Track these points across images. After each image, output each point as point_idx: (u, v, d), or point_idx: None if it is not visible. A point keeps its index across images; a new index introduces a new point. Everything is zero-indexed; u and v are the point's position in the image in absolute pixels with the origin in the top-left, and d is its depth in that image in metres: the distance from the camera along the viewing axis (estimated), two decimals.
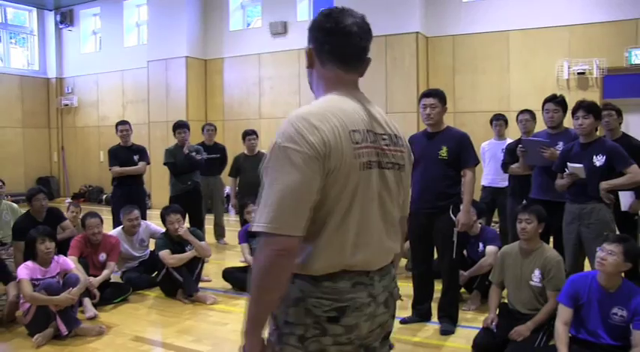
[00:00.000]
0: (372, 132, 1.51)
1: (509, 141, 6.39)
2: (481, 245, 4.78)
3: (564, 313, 3.27)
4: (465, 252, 4.95)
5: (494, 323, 3.70)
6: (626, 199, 4.53)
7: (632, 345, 3.07)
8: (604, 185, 3.83)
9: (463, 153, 4.03)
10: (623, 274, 3.28)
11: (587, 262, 4.08)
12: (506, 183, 6.26)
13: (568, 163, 3.98)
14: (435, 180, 4.02)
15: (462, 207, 4.04)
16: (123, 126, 6.81)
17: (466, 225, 4.03)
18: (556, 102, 4.57)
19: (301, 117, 1.45)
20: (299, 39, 10.37)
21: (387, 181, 1.54)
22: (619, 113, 4.65)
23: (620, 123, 4.69)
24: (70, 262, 4.47)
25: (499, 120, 6.36)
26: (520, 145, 4.62)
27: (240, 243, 5.42)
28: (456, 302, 4.27)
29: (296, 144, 1.39)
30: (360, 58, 1.59)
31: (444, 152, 3.99)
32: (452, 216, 3.98)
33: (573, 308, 3.26)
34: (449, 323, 4.11)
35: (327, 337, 1.47)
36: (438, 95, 4.06)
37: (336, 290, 1.47)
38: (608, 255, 3.14)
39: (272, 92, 10.95)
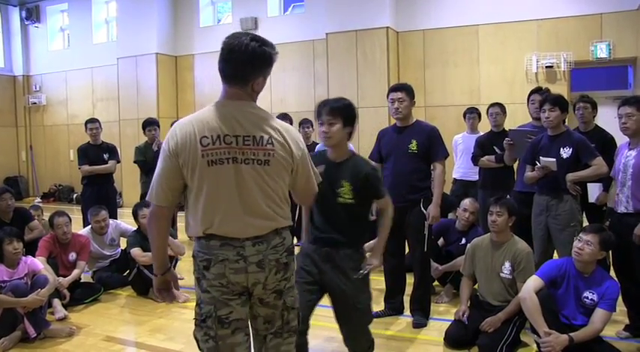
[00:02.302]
0: (230, 136, 1.97)
1: (481, 134, 6.47)
2: (464, 240, 4.74)
3: (537, 283, 3.32)
4: (442, 241, 4.99)
5: (465, 315, 3.75)
6: (594, 191, 4.63)
7: (590, 321, 3.21)
8: (570, 177, 3.90)
9: (433, 146, 4.06)
10: None
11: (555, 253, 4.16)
12: (477, 177, 6.33)
13: (540, 157, 4.03)
14: (405, 174, 4.05)
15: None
16: (92, 124, 6.71)
17: (436, 218, 4.05)
18: (542, 93, 4.67)
19: (176, 125, 2.06)
20: (270, 35, 10.19)
21: (243, 173, 1.98)
22: (594, 106, 4.73)
23: (594, 116, 4.78)
24: (39, 263, 4.37)
25: (472, 114, 6.42)
26: (507, 138, 4.65)
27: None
28: (428, 295, 4.31)
29: (165, 145, 2.03)
30: (238, 75, 2.01)
31: (413, 146, 4.02)
32: (422, 209, 4.01)
33: (547, 285, 3.33)
34: (421, 316, 4.14)
35: (205, 280, 2.04)
36: (406, 89, 4.08)
37: (207, 246, 2.02)
38: (585, 245, 3.24)
39: None
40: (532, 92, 4.77)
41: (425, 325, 4.10)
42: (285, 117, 6.71)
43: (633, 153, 3.63)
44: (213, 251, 2.01)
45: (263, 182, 2.02)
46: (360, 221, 2.92)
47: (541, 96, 4.65)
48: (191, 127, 1.99)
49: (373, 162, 4.34)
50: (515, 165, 4.97)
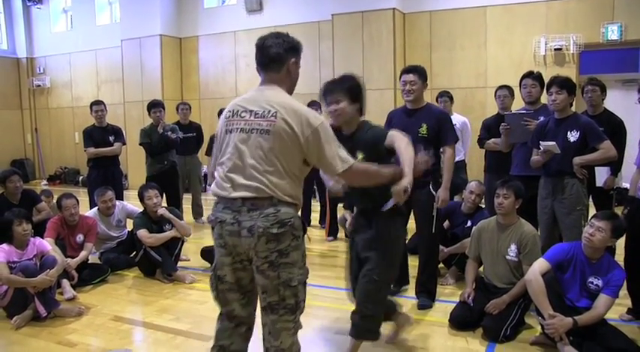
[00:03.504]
0: (246, 111, 2.31)
1: (456, 116, 6.49)
2: (470, 223, 4.75)
3: (543, 266, 3.32)
4: (447, 224, 5.00)
5: (470, 297, 3.77)
6: (601, 175, 4.62)
7: (593, 306, 3.22)
8: (577, 160, 3.88)
9: (442, 130, 4.05)
10: None
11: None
12: (456, 159, 6.34)
13: (540, 141, 4.01)
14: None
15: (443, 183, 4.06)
16: (97, 106, 6.70)
17: (446, 201, 4.06)
18: (533, 77, 4.65)
19: None
20: (274, 16, 10.27)
21: (249, 141, 2.25)
22: (603, 89, 4.69)
23: (603, 100, 4.75)
24: (47, 244, 4.41)
25: (443, 97, 6.52)
26: (504, 123, 4.62)
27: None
28: (435, 277, 4.32)
29: None
30: (275, 59, 2.35)
31: (424, 130, 4.00)
32: (432, 190, 4.01)
33: (553, 269, 3.33)
34: (426, 298, 4.16)
35: (213, 239, 2.35)
36: (418, 71, 4.07)
37: (215, 209, 2.32)
38: (597, 232, 3.22)
39: (248, 70, 10.83)
40: (523, 76, 4.74)
41: (430, 307, 4.12)
42: (314, 103, 6.79)
43: None
44: (217, 213, 2.30)
45: (262, 150, 2.23)
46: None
47: (533, 81, 4.63)
48: (227, 108, 2.42)
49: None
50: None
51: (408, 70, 4.11)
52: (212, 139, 6.80)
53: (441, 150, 4.10)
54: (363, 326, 3.02)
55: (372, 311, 2.99)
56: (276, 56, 2.35)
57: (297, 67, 2.41)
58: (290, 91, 2.42)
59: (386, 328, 3.47)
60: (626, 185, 7.62)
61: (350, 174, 2.34)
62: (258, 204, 2.21)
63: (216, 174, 2.35)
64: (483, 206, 5.10)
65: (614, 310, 3.52)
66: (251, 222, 2.20)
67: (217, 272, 2.36)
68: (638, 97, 3.71)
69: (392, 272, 3.08)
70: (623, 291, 3.61)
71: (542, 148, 3.98)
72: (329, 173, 2.36)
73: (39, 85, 13.75)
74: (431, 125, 4.00)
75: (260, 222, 2.19)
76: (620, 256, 3.82)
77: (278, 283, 2.24)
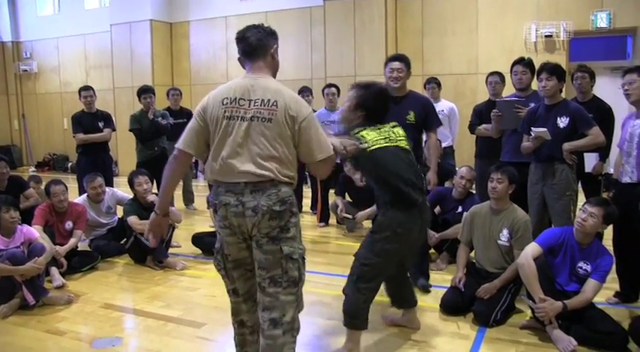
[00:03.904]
0: (244, 100, 2.38)
1: (444, 102, 6.49)
2: (460, 208, 4.76)
3: (535, 250, 3.34)
4: (438, 210, 5.01)
5: (462, 283, 3.78)
6: (590, 161, 4.66)
7: (582, 290, 3.26)
8: (567, 146, 3.91)
9: (429, 117, 4.15)
10: None
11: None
12: (444, 144, 6.36)
13: (532, 127, 4.03)
14: None
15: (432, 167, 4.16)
16: (86, 92, 6.61)
17: (435, 183, 4.18)
18: (524, 64, 4.66)
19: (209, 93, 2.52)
20: (266, 1, 10.17)
21: (251, 129, 2.35)
22: (592, 76, 4.74)
23: (592, 86, 4.78)
24: (34, 231, 4.36)
25: (431, 84, 6.58)
26: (495, 109, 4.63)
27: (209, 208, 5.39)
28: (426, 257, 4.37)
29: (198, 106, 2.48)
30: (260, 47, 2.46)
31: (411, 117, 4.06)
32: None
33: (545, 253, 3.36)
34: (424, 278, 4.19)
35: (217, 221, 2.45)
36: (405, 60, 4.15)
37: (217, 193, 2.42)
38: (589, 217, 3.26)
39: None
40: (514, 63, 4.76)
41: (430, 287, 4.15)
42: (305, 89, 6.95)
43: (639, 122, 3.62)
44: (219, 196, 2.39)
45: (265, 137, 2.34)
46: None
47: (523, 67, 4.64)
48: (218, 92, 2.46)
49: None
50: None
51: (395, 58, 4.19)
52: None
53: (427, 135, 4.23)
54: (346, 318, 3.09)
55: (346, 305, 3.07)
56: (260, 43, 2.46)
57: (277, 54, 2.53)
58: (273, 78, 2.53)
59: (394, 310, 3.56)
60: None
61: (328, 161, 2.48)
62: (260, 186, 2.33)
63: (213, 162, 2.40)
64: (474, 191, 5.12)
65: (602, 293, 3.57)
66: (254, 202, 2.32)
67: (224, 251, 2.48)
68: (621, 83, 3.73)
69: (366, 269, 3.02)
70: (611, 275, 3.66)
71: (533, 134, 4.00)
72: (322, 154, 2.42)
73: (25, 70, 13.57)
74: (418, 112, 4.08)
75: (263, 200, 2.32)
76: (607, 241, 3.87)
77: (281, 256, 2.34)
